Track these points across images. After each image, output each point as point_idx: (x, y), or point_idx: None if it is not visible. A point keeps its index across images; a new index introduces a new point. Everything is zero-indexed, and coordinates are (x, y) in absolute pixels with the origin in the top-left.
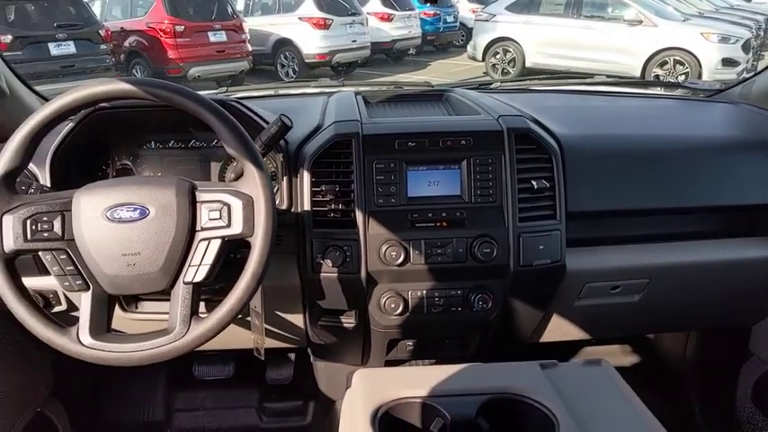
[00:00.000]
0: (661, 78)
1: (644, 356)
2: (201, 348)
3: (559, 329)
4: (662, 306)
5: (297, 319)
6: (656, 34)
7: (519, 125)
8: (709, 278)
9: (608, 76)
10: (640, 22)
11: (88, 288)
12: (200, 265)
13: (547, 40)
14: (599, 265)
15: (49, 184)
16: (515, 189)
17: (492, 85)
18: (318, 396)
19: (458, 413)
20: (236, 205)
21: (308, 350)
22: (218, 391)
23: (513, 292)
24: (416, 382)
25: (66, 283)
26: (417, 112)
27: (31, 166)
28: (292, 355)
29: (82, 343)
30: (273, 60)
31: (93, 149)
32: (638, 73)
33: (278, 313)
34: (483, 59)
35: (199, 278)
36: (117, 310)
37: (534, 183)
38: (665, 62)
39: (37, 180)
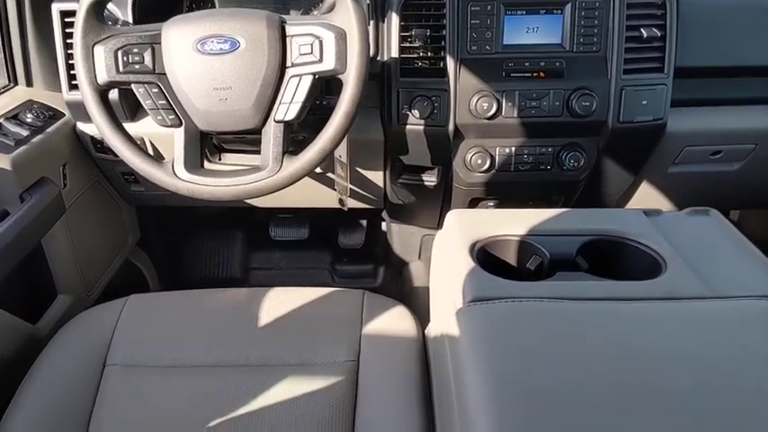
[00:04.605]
0: None
1: None
2: (281, 206)
3: (647, 197)
4: (764, 176)
5: (377, 177)
6: None
7: None
8: None
9: None
10: None
11: (181, 123)
12: (290, 103)
13: None
14: (702, 126)
15: (131, 22)
16: (623, 37)
17: None
18: (390, 260)
19: (557, 251)
20: (329, 38)
21: (383, 214)
22: (292, 252)
23: (607, 152)
24: (513, 222)
25: (160, 118)
26: None
27: (113, 6)
28: (364, 222)
29: (178, 176)
30: None
31: None
32: None
33: (358, 170)
34: None
35: (290, 117)
36: None
37: (644, 31)
38: None
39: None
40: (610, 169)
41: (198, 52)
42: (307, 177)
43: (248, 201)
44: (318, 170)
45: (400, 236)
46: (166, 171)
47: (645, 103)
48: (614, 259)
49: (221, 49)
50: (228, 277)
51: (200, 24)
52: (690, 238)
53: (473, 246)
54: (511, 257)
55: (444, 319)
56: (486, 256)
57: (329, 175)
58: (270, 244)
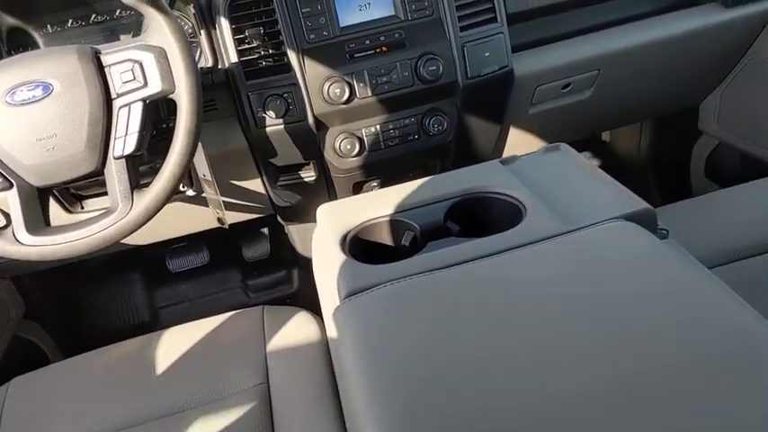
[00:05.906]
0: None
1: (602, 158)
2: (171, 237)
3: (517, 142)
4: (614, 98)
5: (256, 185)
6: None
7: None
8: (658, 58)
9: None
10: None
11: (12, 185)
12: (126, 136)
13: None
14: (547, 64)
15: None
16: None
17: None
18: (299, 261)
19: (426, 222)
20: (148, 60)
21: (278, 218)
22: (197, 280)
23: (467, 109)
24: (382, 202)
25: None
26: None
27: None
28: (266, 230)
29: (22, 243)
30: None
31: None
32: None
33: (235, 183)
34: None
35: (129, 149)
36: (61, 211)
37: None
38: None
39: None
40: (474, 125)
41: (8, 105)
42: (182, 204)
43: (128, 241)
44: (191, 192)
45: (300, 236)
46: (7, 240)
47: (487, 54)
48: (480, 216)
49: (33, 96)
50: (137, 324)
51: (4, 74)
52: (545, 177)
53: (344, 237)
54: (386, 239)
55: (329, 320)
56: (359, 245)
57: (204, 195)
58: (171, 278)
